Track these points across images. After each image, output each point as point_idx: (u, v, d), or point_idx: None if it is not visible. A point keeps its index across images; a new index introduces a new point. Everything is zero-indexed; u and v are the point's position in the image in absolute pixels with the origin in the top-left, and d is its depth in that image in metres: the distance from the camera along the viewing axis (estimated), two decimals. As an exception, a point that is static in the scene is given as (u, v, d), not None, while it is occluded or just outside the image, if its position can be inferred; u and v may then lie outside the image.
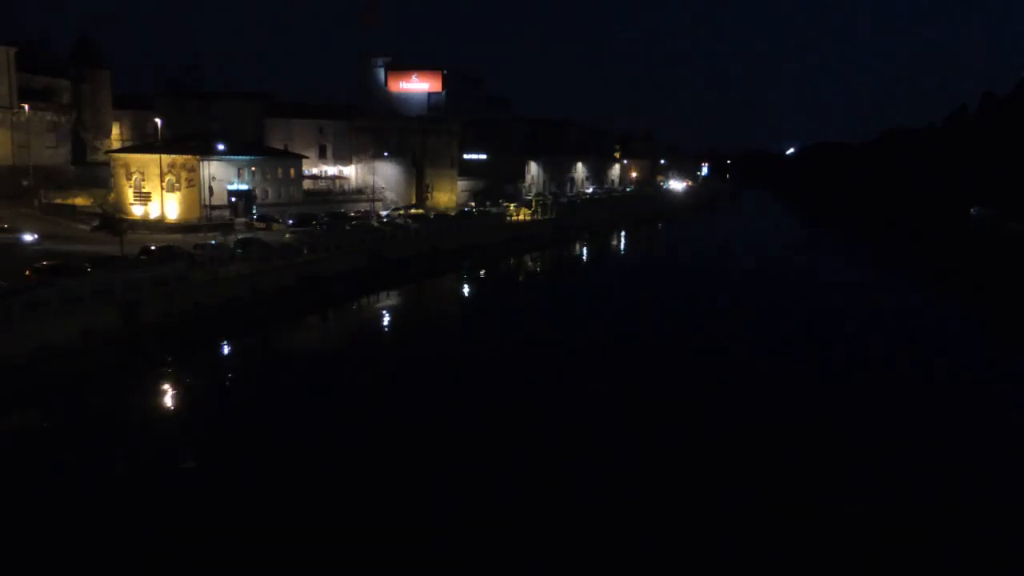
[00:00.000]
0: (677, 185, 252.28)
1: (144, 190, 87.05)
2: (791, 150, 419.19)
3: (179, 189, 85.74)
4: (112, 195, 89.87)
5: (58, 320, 43.76)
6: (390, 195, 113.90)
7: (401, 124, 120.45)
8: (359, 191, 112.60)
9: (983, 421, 40.30)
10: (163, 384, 43.73)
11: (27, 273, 50.06)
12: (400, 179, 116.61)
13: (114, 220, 69.20)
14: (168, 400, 41.62)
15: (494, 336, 57.30)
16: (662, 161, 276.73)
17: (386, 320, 64.91)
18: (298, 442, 34.50)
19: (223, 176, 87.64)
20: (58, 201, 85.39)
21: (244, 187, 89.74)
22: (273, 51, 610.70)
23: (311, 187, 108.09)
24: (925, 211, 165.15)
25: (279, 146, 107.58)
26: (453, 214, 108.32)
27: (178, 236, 73.53)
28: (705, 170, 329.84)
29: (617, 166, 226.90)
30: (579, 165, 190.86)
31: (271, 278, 61.88)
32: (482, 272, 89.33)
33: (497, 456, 33.68)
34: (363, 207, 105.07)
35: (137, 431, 35.90)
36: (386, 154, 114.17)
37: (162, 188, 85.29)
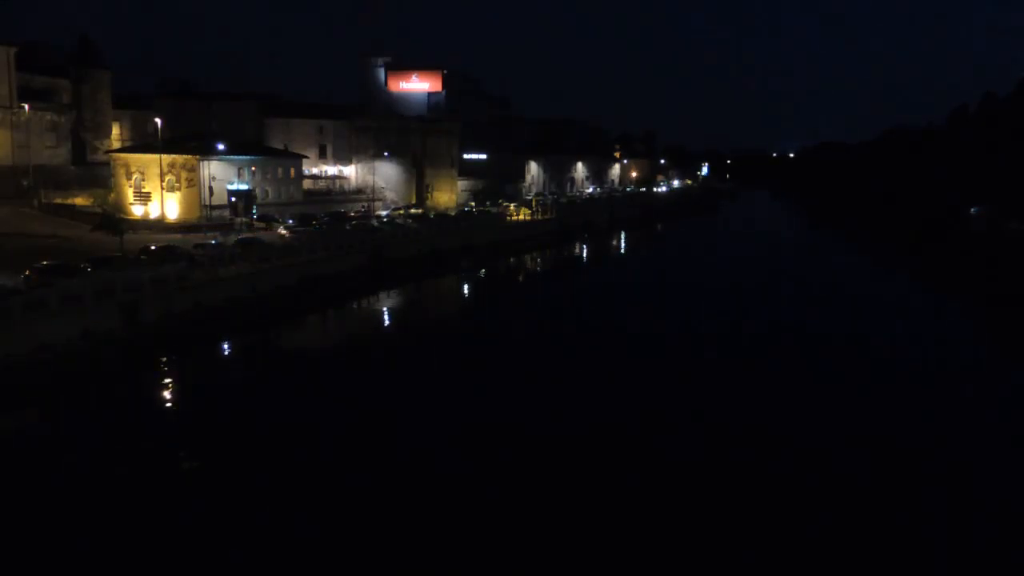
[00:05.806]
0: (675, 185, 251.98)
1: (144, 190, 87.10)
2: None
3: (179, 189, 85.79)
4: (112, 195, 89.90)
5: (58, 320, 43.71)
6: (390, 195, 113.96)
7: (401, 124, 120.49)
8: (359, 191, 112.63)
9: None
10: (163, 384, 43.70)
11: (27, 273, 50.07)
12: (400, 179, 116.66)
13: (114, 220, 69.12)
14: (168, 400, 41.60)
15: (492, 336, 57.28)
16: (662, 161, 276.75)
17: (386, 320, 64.92)
18: (297, 442, 34.47)
19: (223, 176, 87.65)
20: (58, 201, 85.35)
21: (244, 187, 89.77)
22: (273, 51, 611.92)
23: (311, 187, 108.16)
24: (925, 211, 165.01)
25: (279, 146, 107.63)
26: (453, 214, 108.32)
27: (178, 236, 73.48)
28: (705, 170, 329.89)
29: (617, 166, 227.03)
30: (579, 165, 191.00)
31: (271, 278, 61.85)
32: (482, 272, 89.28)
33: (492, 457, 33.72)
34: (363, 207, 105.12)
35: (137, 431, 35.87)
36: (386, 154, 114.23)
37: (162, 188, 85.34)
